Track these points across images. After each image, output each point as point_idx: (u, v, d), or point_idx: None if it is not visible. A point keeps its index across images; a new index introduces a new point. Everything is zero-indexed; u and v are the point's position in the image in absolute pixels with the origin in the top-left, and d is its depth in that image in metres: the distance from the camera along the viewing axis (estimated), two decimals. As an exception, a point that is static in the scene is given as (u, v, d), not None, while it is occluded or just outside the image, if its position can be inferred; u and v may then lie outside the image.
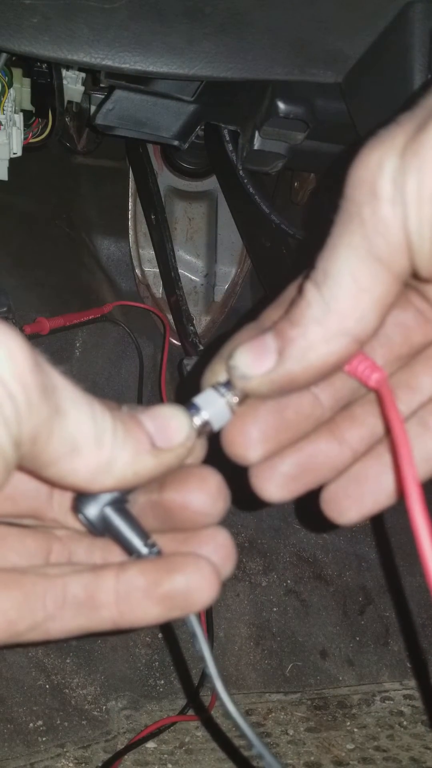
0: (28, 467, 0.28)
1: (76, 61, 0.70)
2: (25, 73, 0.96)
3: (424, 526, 0.28)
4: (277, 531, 1.07)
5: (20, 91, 0.96)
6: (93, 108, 1.01)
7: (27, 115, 0.97)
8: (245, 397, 0.32)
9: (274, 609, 1.01)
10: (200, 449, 0.33)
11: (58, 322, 1.00)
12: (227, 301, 1.24)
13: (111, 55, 0.70)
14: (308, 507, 0.98)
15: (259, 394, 0.31)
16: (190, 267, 1.23)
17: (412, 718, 0.94)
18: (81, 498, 0.31)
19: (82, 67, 0.95)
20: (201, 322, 1.23)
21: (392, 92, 0.68)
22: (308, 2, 0.69)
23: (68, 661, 0.91)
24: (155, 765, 0.83)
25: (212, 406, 0.32)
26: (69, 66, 0.97)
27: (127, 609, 0.30)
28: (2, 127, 0.93)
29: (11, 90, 0.93)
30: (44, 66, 0.94)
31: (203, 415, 0.32)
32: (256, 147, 0.85)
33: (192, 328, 1.02)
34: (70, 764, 0.83)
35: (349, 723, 0.92)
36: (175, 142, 0.93)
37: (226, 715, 0.30)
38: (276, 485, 0.33)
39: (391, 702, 0.96)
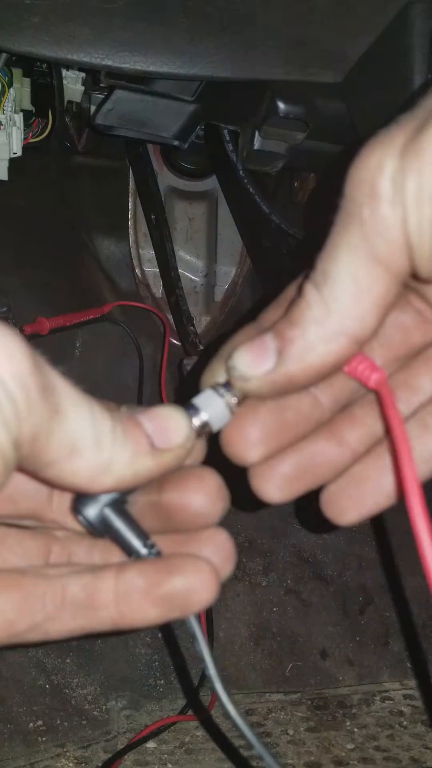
0: (27, 468, 0.27)
1: (76, 61, 0.70)
2: (25, 73, 0.96)
3: (425, 526, 0.28)
4: (277, 531, 1.07)
5: (20, 91, 0.96)
6: (93, 108, 1.01)
7: (27, 115, 0.97)
8: (244, 398, 0.32)
9: (274, 609, 1.01)
10: (199, 450, 0.33)
11: (58, 322, 1.00)
12: (227, 301, 1.23)
13: (111, 55, 0.70)
14: (308, 507, 0.98)
15: (259, 395, 0.31)
16: (190, 267, 1.23)
17: (412, 718, 0.94)
18: (80, 499, 0.31)
19: (82, 67, 0.95)
20: (201, 322, 1.23)
21: (392, 92, 0.68)
22: (308, 2, 0.68)
23: (68, 661, 0.91)
24: (155, 765, 0.83)
25: (211, 406, 0.32)
26: (69, 66, 0.97)
27: (126, 610, 0.30)
28: (2, 127, 0.93)
29: (11, 90, 0.93)
30: (44, 66, 0.94)
31: (202, 416, 0.31)
32: (256, 147, 0.85)
33: (192, 328, 1.02)
34: (70, 764, 0.83)
35: (349, 723, 0.92)
36: (175, 142, 0.93)
37: (227, 715, 0.30)
38: (275, 486, 0.33)
39: (391, 702, 0.96)
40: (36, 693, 0.87)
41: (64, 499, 0.33)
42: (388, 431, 0.34)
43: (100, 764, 0.83)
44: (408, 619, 1.02)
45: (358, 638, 1.02)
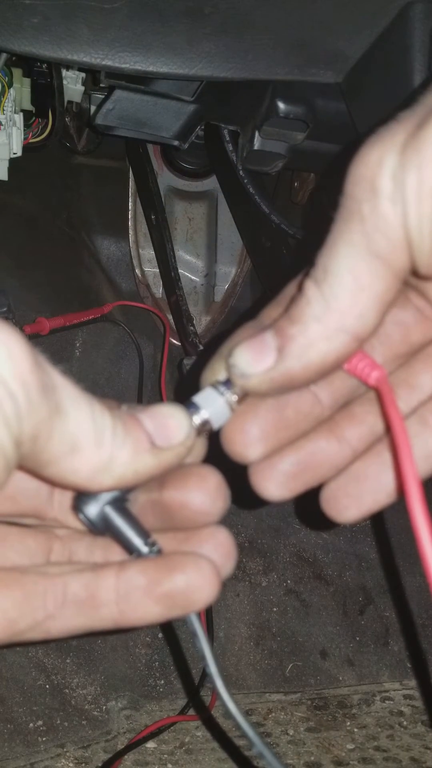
0: (28, 466, 0.27)
1: (76, 61, 0.70)
2: (25, 73, 0.96)
3: (425, 525, 0.28)
4: (277, 531, 1.07)
5: (20, 91, 0.96)
6: (93, 108, 1.01)
7: (27, 115, 0.97)
8: (245, 396, 0.32)
9: (274, 609, 1.01)
10: (200, 448, 0.32)
11: (58, 322, 1.00)
12: (227, 301, 1.24)
13: (111, 55, 0.70)
14: (308, 506, 0.98)
15: (259, 393, 0.31)
16: (190, 267, 1.23)
17: (412, 718, 0.94)
18: (81, 497, 0.31)
19: (82, 67, 0.95)
20: (201, 322, 1.23)
21: (392, 92, 0.68)
22: (308, 2, 0.68)
23: (68, 661, 0.91)
24: (155, 765, 0.83)
25: (212, 404, 0.32)
26: (69, 66, 0.97)
27: (127, 608, 0.29)
28: (2, 127, 0.93)
29: (11, 90, 0.93)
30: (44, 66, 0.94)
31: (203, 414, 0.31)
32: (256, 147, 0.85)
33: (192, 328, 1.02)
34: (70, 764, 0.83)
35: (349, 723, 0.92)
36: (175, 142, 0.93)
37: (227, 714, 0.30)
38: (276, 483, 0.33)
39: (391, 702, 0.96)
40: (36, 693, 0.87)
41: (65, 498, 0.33)
42: (388, 429, 0.34)
43: (100, 764, 0.83)
44: (408, 619, 1.02)
45: (358, 638, 1.02)
